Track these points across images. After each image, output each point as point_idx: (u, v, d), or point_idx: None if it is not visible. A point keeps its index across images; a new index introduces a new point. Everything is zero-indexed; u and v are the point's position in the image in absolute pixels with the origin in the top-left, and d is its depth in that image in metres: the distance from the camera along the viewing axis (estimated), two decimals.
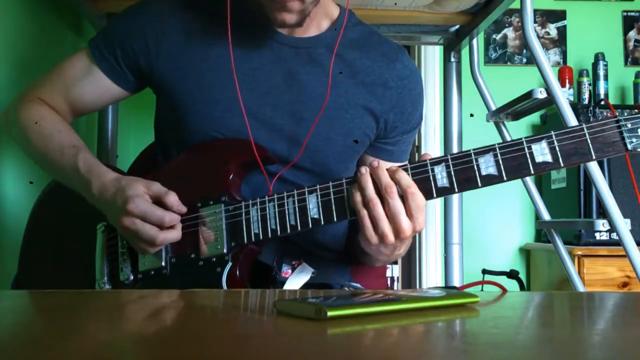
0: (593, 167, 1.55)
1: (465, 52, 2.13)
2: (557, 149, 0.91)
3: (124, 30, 1.14)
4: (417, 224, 0.94)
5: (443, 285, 2.23)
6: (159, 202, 1.01)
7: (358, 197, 0.95)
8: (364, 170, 0.94)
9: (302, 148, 1.08)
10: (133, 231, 1.00)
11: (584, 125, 0.91)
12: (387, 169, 0.95)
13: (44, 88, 1.18)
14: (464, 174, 0.94)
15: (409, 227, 0.93)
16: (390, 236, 0.94)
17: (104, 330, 0.60)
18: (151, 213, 0.99)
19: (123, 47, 1.13)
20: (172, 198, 1.01)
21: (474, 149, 0.94)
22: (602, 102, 2.54)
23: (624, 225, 1.54)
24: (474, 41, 2.09)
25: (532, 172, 0.92)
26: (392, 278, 3.59)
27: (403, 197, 0.93)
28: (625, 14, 3.00)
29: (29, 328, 0.62)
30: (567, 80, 2.81)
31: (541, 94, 1.70)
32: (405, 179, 0.93)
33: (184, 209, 1.02)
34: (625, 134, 0.90)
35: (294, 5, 1.01)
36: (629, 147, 0.90)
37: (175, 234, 1.01)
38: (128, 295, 0.90)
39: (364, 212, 0.94)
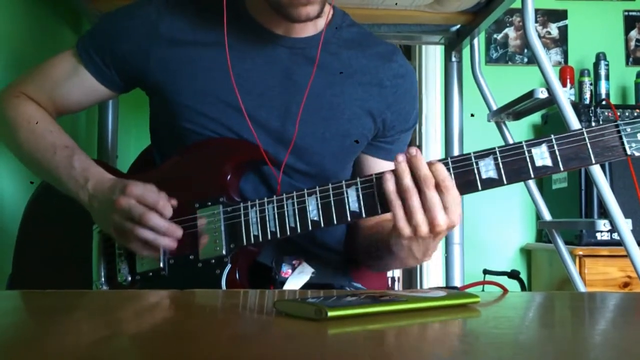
0: (594, 167, 1.55)
1: (466, 51, 2.13)
2: (557, 153, 0.91)
3: (114, 33, 1.13)
4: (454, 218, 0.91)
5: (444, 285, 2.22)
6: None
7: (391, 186, 0.91)
8: (401, 158, 0.91)
9: (290, 147, 1.07)
10: (126, 210, 0.98)
11: (583, 130, 0.91)
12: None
13: (30, 84, 1.16)
14: (464, 177, 0.93)
15: (444, 220, 0.90)
16: (424, 228, 0.90)
17: (102, 331, 0.59)
18: (147, 195, 0.99)
19: (112, 49, 1.12)
20: (162, 203, 1.01)
21: (474, 152, 0.93)
22: (604, 102, 2.53)
23: (625, 226, 1.54)
24: (475, 41, 2.08)
25: (532, 176, 0.92)
26: (392, 278, 3.58)
27: (438, 190, 0.90)
28: (626, 13, 2.99)
29: (26, 329, 0.62)
30: (568, 80, 2.80)
31: (542, 94, 1.70)
32: (443, 171, 0.91)
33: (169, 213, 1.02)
34: (624, 139, 0.90)
35: None
36: (629, 151, 0.89)
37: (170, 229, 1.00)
38: (126, 295, 0.90)
39: (398, 202, 0.91)
